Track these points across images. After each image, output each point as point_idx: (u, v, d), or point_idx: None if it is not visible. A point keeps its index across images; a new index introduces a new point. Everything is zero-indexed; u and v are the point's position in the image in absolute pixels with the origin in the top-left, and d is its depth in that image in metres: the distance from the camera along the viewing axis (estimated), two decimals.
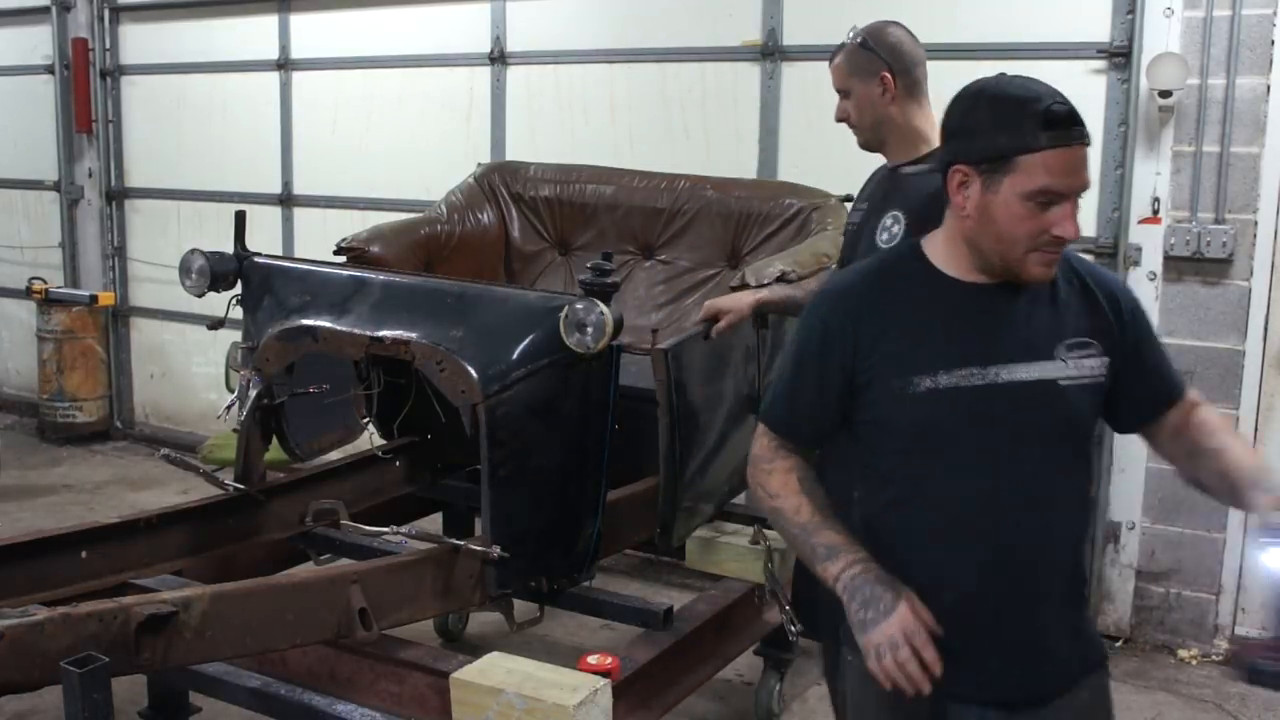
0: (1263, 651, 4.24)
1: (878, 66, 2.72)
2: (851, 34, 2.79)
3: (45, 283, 7.18)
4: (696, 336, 3.04)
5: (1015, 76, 1.85)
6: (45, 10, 7.19)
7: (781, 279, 3.21)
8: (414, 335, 2.90)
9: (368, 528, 3.03)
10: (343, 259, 3.78)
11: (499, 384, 2.79)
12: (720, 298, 3.13)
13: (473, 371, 2.78)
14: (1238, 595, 4.42)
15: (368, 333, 2.98)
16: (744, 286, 3.17)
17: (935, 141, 2.57)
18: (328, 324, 3.06)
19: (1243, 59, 4.15)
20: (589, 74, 5.44)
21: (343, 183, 6.11)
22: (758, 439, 2.02)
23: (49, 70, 7.27)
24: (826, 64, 2.81)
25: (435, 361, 2.83)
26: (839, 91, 2.80)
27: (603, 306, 2.74)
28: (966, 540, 1.86)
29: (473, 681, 2.54)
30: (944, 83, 4.88)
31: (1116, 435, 4.45)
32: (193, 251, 3.35)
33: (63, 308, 7.11)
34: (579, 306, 2.76)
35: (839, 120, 2.83)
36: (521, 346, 2.84)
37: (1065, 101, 1.78)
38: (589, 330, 2.74)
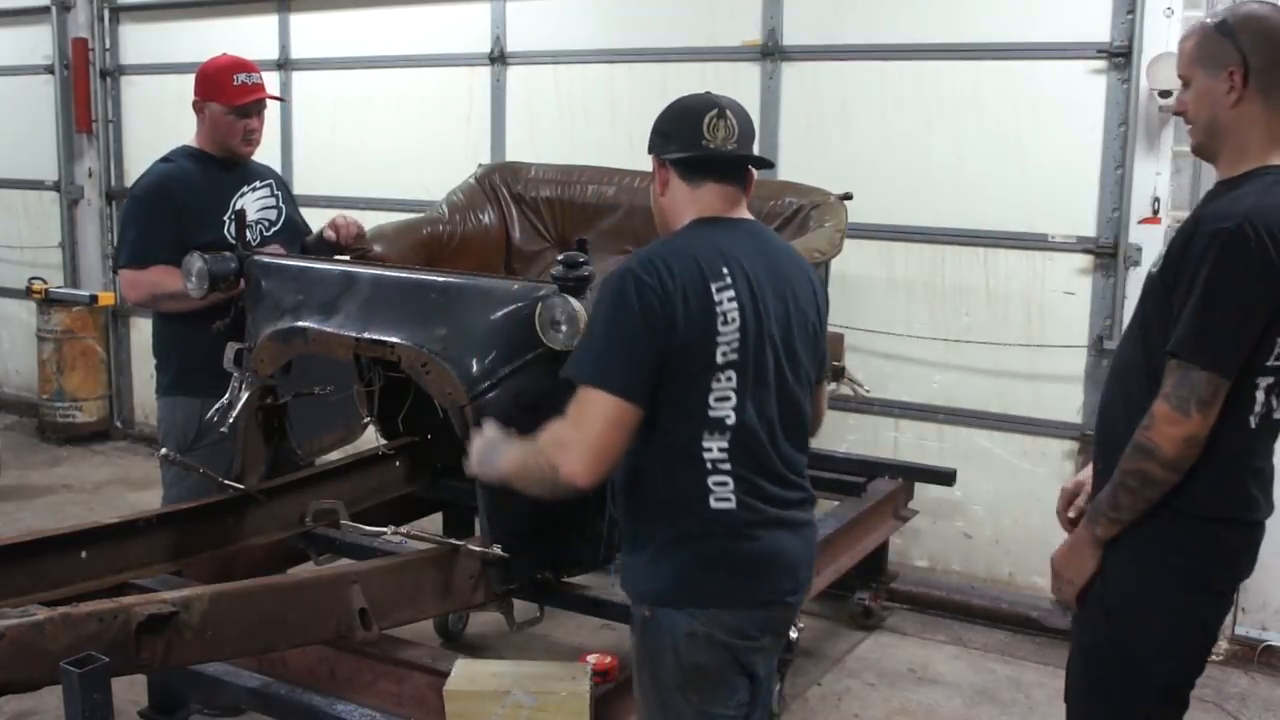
0: None
1: (1229, 58, 2.19)
2: (1209, 13, 2.39)
3: (45, 283, 7.19)
4: None
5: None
6: (45, 10, 7.20)
7: None
8: (398, 338, 2.88)
9: (368, 528, 3.02)
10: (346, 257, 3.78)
11: (485, 383, 2.76)
12: None
13: (455, 374, 2.76)
14: (1238, 595, 4.41)
15: (354, 334, 2.96)
16: None
17: (1269, 159, 2.19)
18: (316, 325, 3.05)
19: None
20: (589, 74, 5.44)
21: (342, 183, 6.11)
22: None
23: (49, 70, 7.28)
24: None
25: (420, 364, 2.82)
26: (1180, 78, 2.31)
27: (574, 302, 2.68)
28: None
29: (470, 689, 2.52)
30: (944, 82, 4.90)
31: None
32: (191, 254, 3.32)
33: (63, 308, 7.12)
34: (552, 303, 2.70)
35: (1176, 114, 2.42)
36: (505, 343, 2.80)
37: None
38: (563, 327, 2.68)
